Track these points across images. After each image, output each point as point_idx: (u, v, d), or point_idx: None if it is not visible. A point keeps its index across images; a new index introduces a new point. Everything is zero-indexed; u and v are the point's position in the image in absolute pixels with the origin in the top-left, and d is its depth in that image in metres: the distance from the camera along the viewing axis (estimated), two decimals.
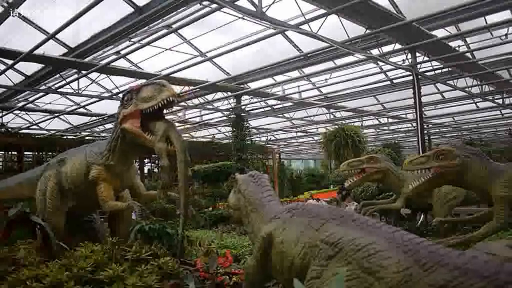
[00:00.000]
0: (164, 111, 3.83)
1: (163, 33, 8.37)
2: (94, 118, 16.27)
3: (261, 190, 3.04)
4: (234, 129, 14.51)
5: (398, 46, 9.31)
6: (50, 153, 14.61)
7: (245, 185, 3.13)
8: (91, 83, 12.43)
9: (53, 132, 17.63)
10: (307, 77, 12.81)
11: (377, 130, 23.03)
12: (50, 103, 14.52)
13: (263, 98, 15.03)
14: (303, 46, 10.34)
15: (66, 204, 4.48)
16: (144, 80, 11.18)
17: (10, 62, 9.56)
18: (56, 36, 8.39)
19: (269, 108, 17.19)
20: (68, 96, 13.43)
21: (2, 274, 3.19)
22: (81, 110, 14.54)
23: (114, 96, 12.68)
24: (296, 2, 7.37)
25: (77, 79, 10.81)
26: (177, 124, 17.98)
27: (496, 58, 10.99)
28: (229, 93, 13.91)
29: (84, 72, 10.43)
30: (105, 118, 15.87)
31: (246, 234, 3.10)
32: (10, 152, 15.07)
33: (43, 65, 10.24)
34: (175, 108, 3.89)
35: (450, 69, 11.63)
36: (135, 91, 3.79)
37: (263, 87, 13.33)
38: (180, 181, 3.57)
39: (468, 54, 10.52)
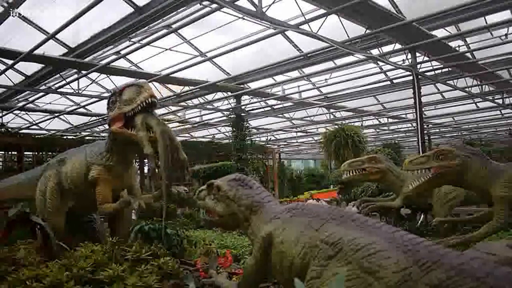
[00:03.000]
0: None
1: (163, 33, 8.38)
2: (94, 118, 16.27)
3: (255, 192, 3.00)
4: (234, 129, 14.52)
5: (398, 46, 9.32)
6: (50, 153, 14.60)
7: (233, 189, 3.00)
8: (91, 83, 12.44)
9: (53, 132, 17.63)
10: (307, 77, 12.81)
11: (377, 130, 23.04)
12: (50, 103, 14.52)
13: (263, 98, 15.03)
14: (303, 46, 10.34)
15: (66, 204, 4.47)
16: (144, 80, 11.20)
17: (10, 62, 9.56)
18: (56, 36, 8.39)
19: (269, 108, 17.19)
20: (68, 96, 13.44)
21: (2, 274, 3.19)
22: (81, 110, 14.55)
23: None
24: (296, 2, 7.37)
25: (77, 79, 10.81)
26: (175, 123, 17.99)
27: (496, 58, 11.00)
28: (229, 93, 13.91)
29: (84, 72, 10.43)
30: (105, 118, 15.83)
31: (245, 234, 3.07)
32: (10, 152, 15.07)
33: (43, 65, 10.25)
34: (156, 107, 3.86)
35: (450, 69, 11.64)
36: (118, 93, 3.79)
37: (263, 87, 13.33)
38: (161, 166, 3.53)
39: (468, 54, 10.52)
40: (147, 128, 3.59)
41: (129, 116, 3.68)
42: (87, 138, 17.87)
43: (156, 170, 3.63)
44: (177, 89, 12.97)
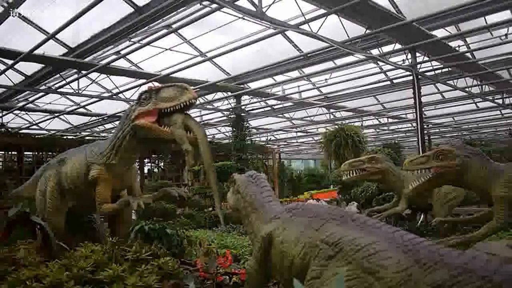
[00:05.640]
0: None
1: (163, 33, 8.37)
2: (94, 118, 16.27)
3: (260, 190, 3.04)
4: (234, 129, 14.51)
5: (398, 46, 9.31)
6: (50, 153, 14.61)
7: (244, 185, 3.11)
8: (91, 83, 12.43)
9: (53, 132, 17.63)
10: (307, 77, 12.81)
11: (377, 130, 23.04)
12: (50, 103, 14.52)
13: (263, 98, 15.03)
14: (303, 46, 10.34)
15: (66, 204, 4.47)
16: (144, 80, 11.21)
17: (10, 62, 9.56)
18: (56, 36, 8.39)
19: (269, 108, 17.19)
20: (68, 96, 13.43)
21: (2, 274, 3.19)
22: (81, 110, 14.54)
23: (114, 96, 12.68)
24: (296, 2, 7.37)
25: (77, 79, 10.81)
26: None
27: (496, 58, 10.98)
28: (229, 93, 13.91)
29: (84, 72, 10.43)
30: (105, 118, 15.87)
31: (246, 234, 3.09)
32: (10, 152, 15.08)
33: (43, 65, 10.24)
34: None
35: (450, 69, 11.64)
36: (155, 90, 3.83)
37: (263, 87, 13.33)
38: (205, 164, 3.67)
39: (468, 54, 10.52)
40: (185, 128, 3.67)
41: (164, 113, 3.73)
42: (87, 138, 17.87)
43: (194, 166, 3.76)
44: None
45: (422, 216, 7.41)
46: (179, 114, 3.70)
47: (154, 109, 3.76)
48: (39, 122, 16.16)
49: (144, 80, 11.19)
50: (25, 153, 15.06)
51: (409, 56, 9.76)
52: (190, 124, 3.67)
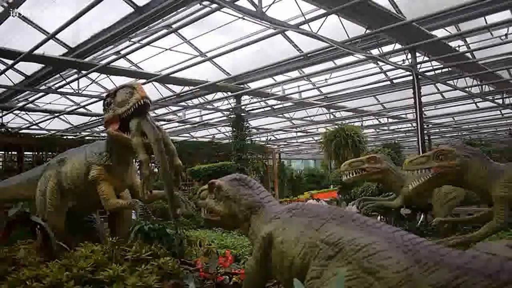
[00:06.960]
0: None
1: (163, 33, 8.37)
2: (94, 118, 16.26)
3: (256, 192, 3.00)
4: (234, 129, 14.51)
5: (398, 46, 9.31)
6: (50, 153, 14.61)
7: (234, 190, 3.01)
8: (91, 83, 12.43)
9: (53, 132, 17.62)
10: (307, 77, 12.81)
11: (377, 130, 23.03)
12: (50, 103, 14.52)
13: (263, 98, 15.03)
14: (303, 46, 10.34)
15: (66, 204, 4.47)
16: (144, 80, 11.21)
17: (10, 62, 9.56)
18: (56, 36, 8.38)
19: (269, 108, 17.19)
20: (68, 96, 13.43)
21: (2, 274, 3.19)
22: (81, 110, 14.53)
23: None
24: (296, 2, 7.37)
25: (77, 79, 10.80)
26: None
27: (496, 58, 10.98)
28: (229, 93, 13.91)
29: (84, 72, 10.42)
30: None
31: (245, 234, 3.06)
32: (10, 152, 15.07)
33: (43, 65, 10.23)
34: (152, 107, 3.77)
35: (450, 69, 11.64)
36: (113, 94, 3.75)
37: (263, 87, 13.33)
38: (160, 173, 3.49)
39: (468, 54, 10.52)
40: (142, 133, 3.53)
41: (124, 118, 3.65)
42: (87, 138, 17.86)
43: (149, 176, 3.60)
44: (177, 89, 12.98)
45: (422, 216, 7.41)
46: (135, 118, 3.53)
47: (114, 116, 3.65)
48: (39, 122, 16.16)
49: (144, 80, 11.18)
50: (25, 153, 15.05)
51: (409, 56, 9.75)
52: (144, 128, 3.48)
